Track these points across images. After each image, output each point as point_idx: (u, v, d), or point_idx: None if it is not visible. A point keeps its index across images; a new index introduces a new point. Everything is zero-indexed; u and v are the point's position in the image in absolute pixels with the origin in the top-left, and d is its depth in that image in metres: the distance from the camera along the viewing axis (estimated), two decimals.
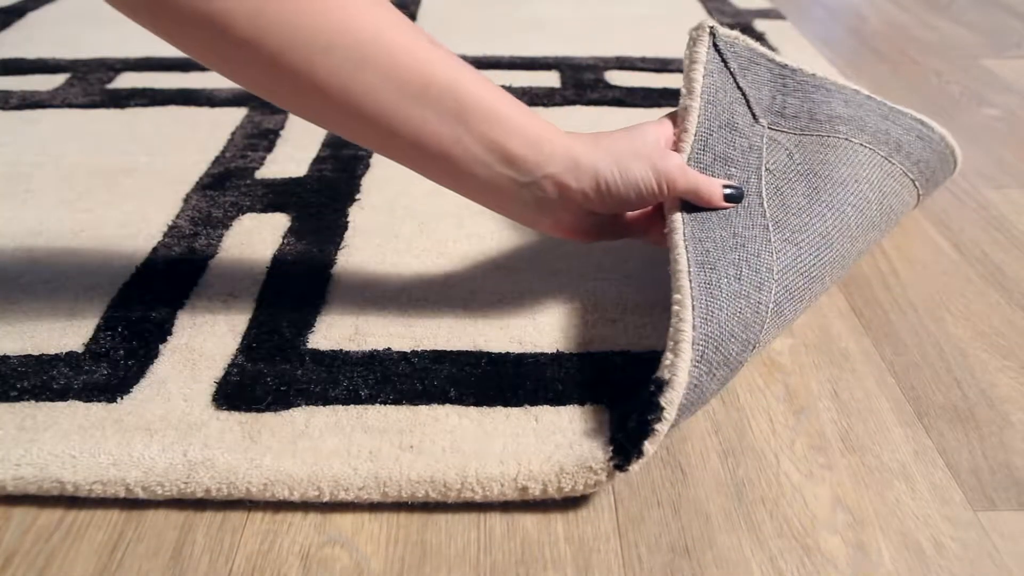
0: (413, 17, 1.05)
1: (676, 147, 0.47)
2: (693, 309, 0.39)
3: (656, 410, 0.37)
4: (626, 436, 0.37)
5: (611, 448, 0.38)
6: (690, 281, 0.40)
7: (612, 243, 0.57)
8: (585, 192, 0.43)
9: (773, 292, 0.41)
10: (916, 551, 0.37)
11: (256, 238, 0.57)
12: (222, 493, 0.38)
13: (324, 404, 0.43)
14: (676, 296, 0.39)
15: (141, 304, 0.50)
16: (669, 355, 0.38)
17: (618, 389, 0.44)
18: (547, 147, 0.42)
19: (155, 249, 0.56)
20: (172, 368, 0.45)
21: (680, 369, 0.37)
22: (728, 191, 0.44)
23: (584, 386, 0.44)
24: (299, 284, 0.52)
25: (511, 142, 0.42)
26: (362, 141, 0.42)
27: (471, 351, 0.47)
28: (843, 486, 0.40)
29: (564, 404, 0.43)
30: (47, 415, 0.42)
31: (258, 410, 0.42)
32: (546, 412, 0.42)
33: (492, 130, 0.41)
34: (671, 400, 0.37)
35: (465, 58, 0.90)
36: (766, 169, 0.47)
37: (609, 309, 0.50)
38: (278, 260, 0.55)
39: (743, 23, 1.04)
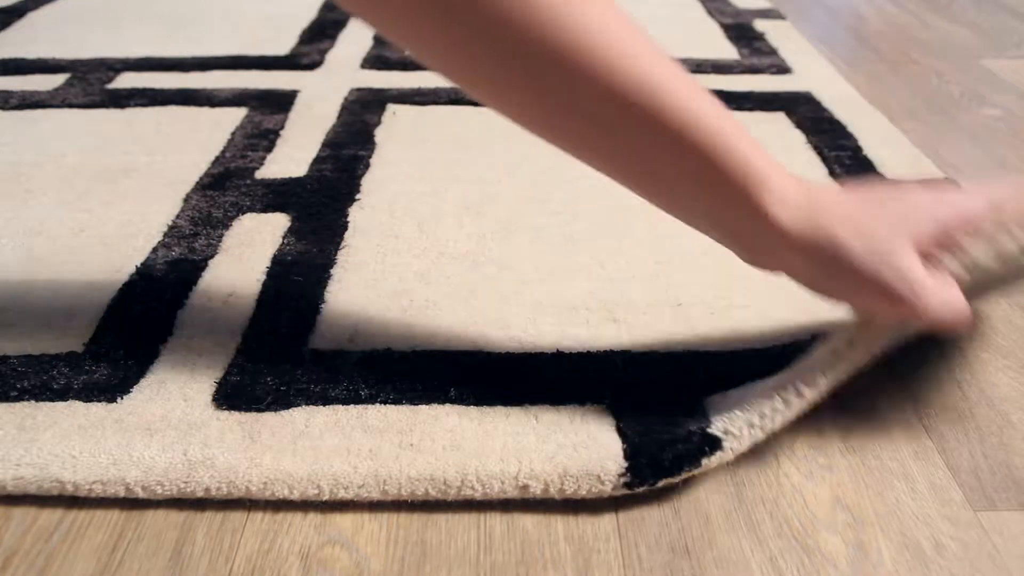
0: None
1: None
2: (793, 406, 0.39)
3: (697, 464, 0.38)
4: (652, 467, 0.38)
5: (627, 465, 0.38)
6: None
7: (612, 242, 0.57)
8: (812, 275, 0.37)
9: None
10: (916, 551, 0.37)
11: (256, 238, 0.57)
12: (222, 492, 0.38)
13: (324, 404, 0.43)
14: (802, 388, 0.39)
15: (141, 304, 0.50)
16: (743, 426, 0.39)
17: (618, 389, 0.44)
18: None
19: (155, 249, 0.56)
20: (172, 368, 0.45)
21: (744, 443, 0.38)
22: None
23: (584, 386, 0.44)
24: (299, 284, 0.52)
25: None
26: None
27: (471, 351, 0.47)
28: (843, 486, 0.40)
29: (564, 404, 0.43)
30: (47, 415, 0.42)
31: (258, 410, 0.42)
32: (546, 411, 0.42)
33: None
34: (717, 461, 0.38)
35: None
36: None
37: (610, 309, 0.50)
38: (278, 260, 0.55)
39: (743, 23, 1.04)
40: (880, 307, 0.37)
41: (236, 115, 0.76)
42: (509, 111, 0.36)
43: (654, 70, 0.34)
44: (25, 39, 0.97)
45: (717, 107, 0.36)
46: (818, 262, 0.36)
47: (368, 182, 0.65)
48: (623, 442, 0.40)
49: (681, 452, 0.38)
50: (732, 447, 0.39)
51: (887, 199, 0.37)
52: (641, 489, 0.39)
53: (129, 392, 0.43)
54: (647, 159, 0.36)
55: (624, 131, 0.35)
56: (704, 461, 0.38)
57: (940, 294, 0.35)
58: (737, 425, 0.39)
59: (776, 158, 0.37)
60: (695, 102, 0.35)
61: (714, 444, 0.38)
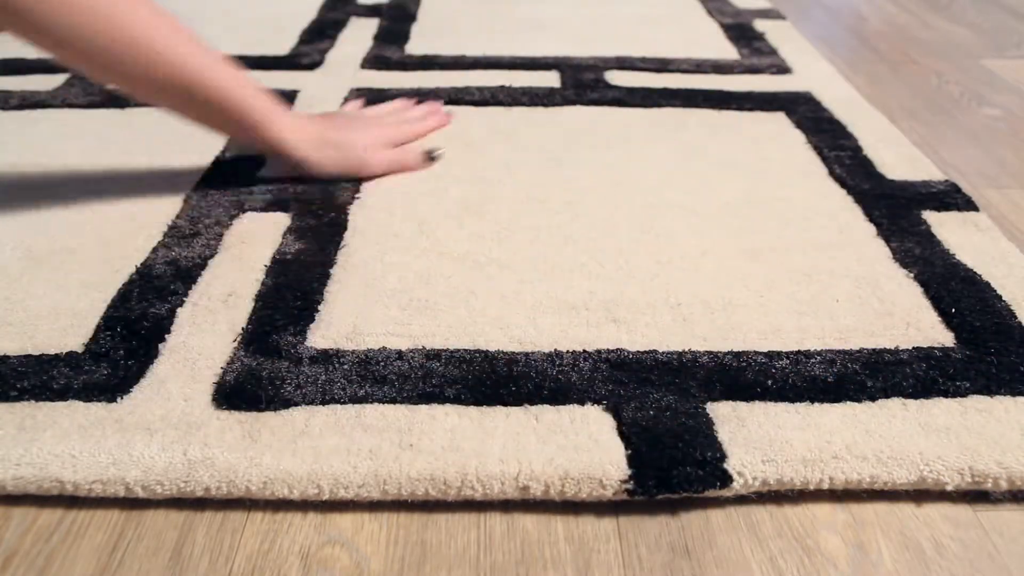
0: (413, 17, 1.05)
1: None
2: None
3: (702, 492, 0.38)
4: (658, 481, 0.38)
5: (631, 472, 0.38)
6: None
7: (612, 241, 0.58)
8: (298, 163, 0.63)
9: None
10: (916, 551, 0.37)
11: (256, 237, 0.57)
12: (222, 492, 0.39)
13: (323, 403, 0.43)
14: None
15: (141, 304, 0.50)
16: (758, 475, 0.39)
17: (618, 390, 0.44)
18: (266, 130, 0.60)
19: (155, 249, 0.56)
20: (172, 368, 0.45)
21: (755, 487, 0.39)
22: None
23: (584, 386, 0.44)
24: (298, 283, 0.52)
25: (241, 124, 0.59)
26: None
27: (470, 350, 0.47)
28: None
29: (564, 404, 0.43)
30: (47, 415, 0.42)
31: (258, 409, 0.42)
32: (546, 411, 0.42)
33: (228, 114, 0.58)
34: (726, 491, 0.38)
35: (465, 58, 0.90)
36: None
37: (609, 309, 0.50)
38: (278, 259, 0.55)
39: (743, 23, 1.04)
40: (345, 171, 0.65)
41: None
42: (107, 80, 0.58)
43: (189, 56, 0.54)
44: None
45: (234, 76, 0.57)
46: (317, 150, 0.63)
47: (368, 182, 0.65)
48: (626, 447, 0.40)
49: (691, 476, 0.38)
50: (741, 486, 0.39)
51: (350, 117, 0.70)
52: (642, 498, 0.39)
53: (129, 392, 0.43)
54: (195, 115, 0.59)
55: (170, 97, 0.57)
56: (710, 491, 0.39)
57: (379, 157, 0.65)
58: (754, 474, 0.39)
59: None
60: (218, 74, 0.56)
61: (726, 479, 0.38)
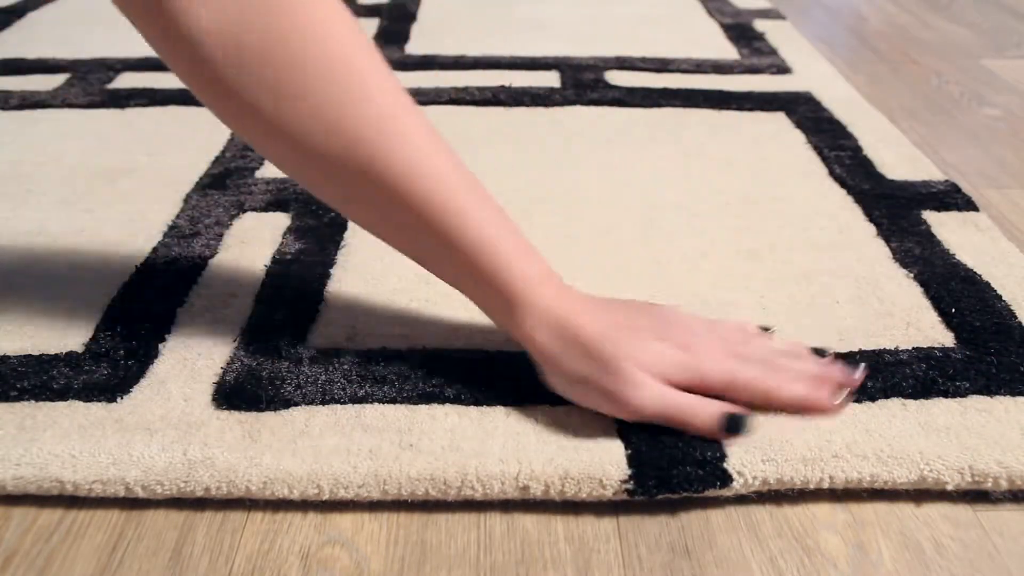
0: (413, 17, 1.05)
1: None
2: None
3: (702, 491, 0.38)
4: (658, 481, 0.38)
5: (631, 472, 0.38)
6: None
7: (612, 241, 0.57)
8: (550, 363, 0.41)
9: None
10: (916, 551, 0.37)
11: (256, 237, 0.57)
12: (222, 492, 0.39)
13: (323, 403, 0.43)
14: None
15: (141, 304, 0.50)
16: (758, 475, 0.38)
17: None
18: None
19: (155, 249, 0.56)
20: (172, 368, 0.45)
21: (755, 486, 0.39)
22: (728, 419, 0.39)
23: None
24: (298, 283, 0.52)
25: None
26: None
27: (470, 349, 0.47)
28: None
29: (564, 404, 0.43)
30: (47, 415, 0.42)
31: (258, 409, 0.42)
32: (546, 412, 0.42)
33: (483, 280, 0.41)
34: (726, 491, 0.38)
35: (465, 58, 0.90)
36: None
37: None
38: (278, 259, 0.55)
39: (743, 23, 1.04)
40: (595, 402, 0.41)
41: None
42: (342, 209, 0.44)
43: (450, 194, 0.39)
44: (25, 39, 0.97)
45: (502, 227, 0.41)
46: (561, 352, 0.41)
47: None
48: (626, 446, 0.40)
49: (691, 476, 0.38)
50: (741, 486, 0.39)
51: (638, 309, 0.43)
52: (642, 498, 0.39)
53: (129, 392, 0.43)
54: (437, 265, 0.43)
55: (421, 241, 0.41)
56: (710, 490, 0.39)
57: (655, 394, 0.39)
58: (754, 473, 0.39)
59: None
60: (485, 227, 0.40)
61: (726, 479, 0.38)
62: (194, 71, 0.38)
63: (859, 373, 0.43)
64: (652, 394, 0.39)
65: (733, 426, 0.39)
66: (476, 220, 0.39)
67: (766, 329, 0.46)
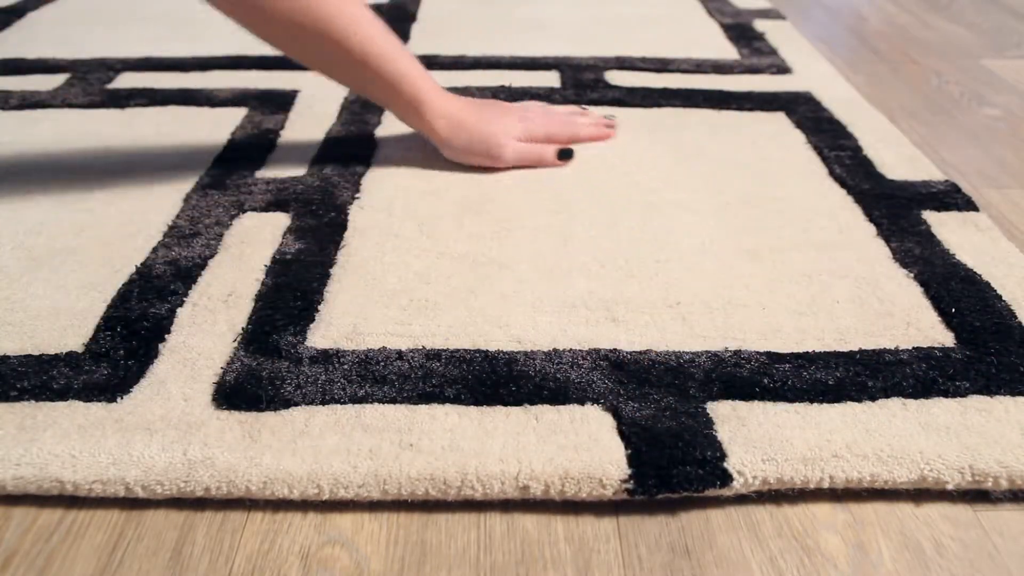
0: (413, 17, 1.05)
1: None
2: None
3: (702, 491, 0.38)
4: (658, 481, 0.38)
5: (631, 472, 0.38)
6: None
7: (611, 241, 0.58)
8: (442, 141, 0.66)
9: None
10: (916, 551, 0.37)
11: (256, 237, 0.57)
12: (222, 492, 0.39)
13: (323, 403, 0.43)
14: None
15: (141, 304, 0.50)
16: (758, 474, 0.39)
17: (618, 389, 0.44)
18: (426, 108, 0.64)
19: (155, 249, 0.56)
20: (172, 368, 0.45)
21: (755, 485, 0.39)
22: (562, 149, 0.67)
23: (584, 386, 0.44)
24: (298, 283, 0.52)
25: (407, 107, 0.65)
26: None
27: (470, 350, 0.47)
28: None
29: (564, 403, 0.43)
30: (47, 415, 0.42)
31: (258, 409, 0.42)
32: (546, 412, 0.42)
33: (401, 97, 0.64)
34: (727, 490, 0.38)
35: (465, 58, 0.90)
36: None
37: (609, 308, 0.50)
38: (278, 259, 0.55)
39: (743, 23, 1.04)
40: (478, 161, 0.67)
41: (236, 115, 0.76)
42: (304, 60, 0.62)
43: (375, 45, 0.60)
44: (25, 39, 0.97)
45: (407, 59, 0.62)
46: (454, 134, 0.65)
47: (368, 182, 0.65)
48: (626, 446, 0.40)
49: (692, 476, 0.38)
50: (741, 485, 0.39)
51: (500, 107, 0.70)
52: (642, 497, 0.39)
53: (129, 392, 0.43)
54: (370, 91, 0.64)
55: (356, 77, 0.62)
56: (710, 490, 0.39)
57: (516, 148, 0.66)
58: (754, 473, 0.39)
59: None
60: (398, 61, 0.61)
61: (726, 479, 0.38)
62: None
63: (612, 119, 0.74)
64: (514, 148, 0.66)
65: (564, 154, 0.67)
66: (393, 58, 0.61)
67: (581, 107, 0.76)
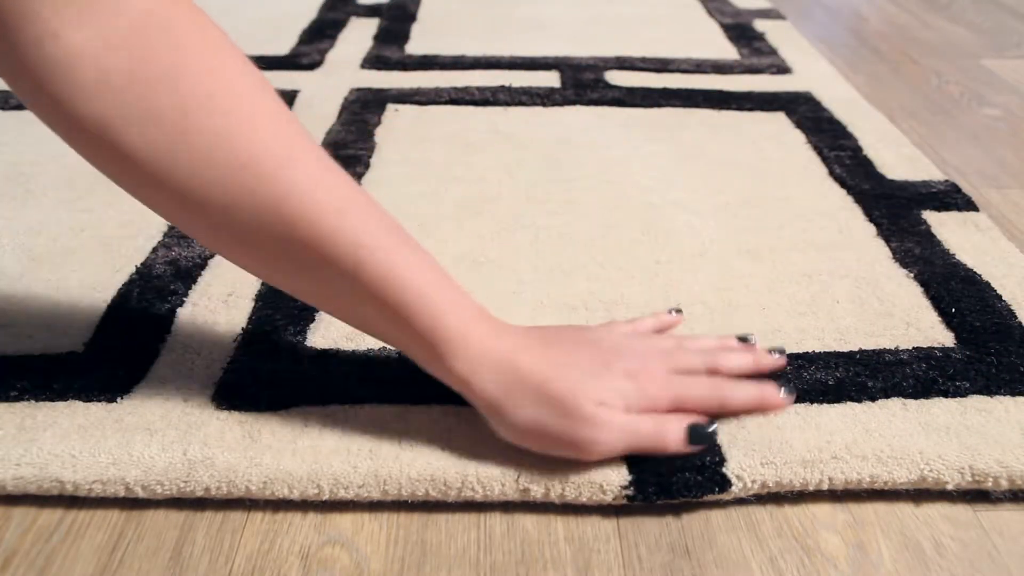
0: (413, 17, 1.05)
1: None
2: None
3: (701, 497, 0.38)
4: (658, 487, 0.38)
5: (631, 478, 0.38)
6: None
7: (612, 242, 0.58)
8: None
9: None
10: (916, 551, 0.37)
11: None
12: (222, 492, 0.38)
13: (323, 403, 0.43)
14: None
15: (141, 304, 0.50)
16: (760, 469, 0.39)
17: None
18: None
19: (155, 249, 0.56)
20: (172, 368, 0.45)
21: (754, 490, 0.39)
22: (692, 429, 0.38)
23: None
24: None
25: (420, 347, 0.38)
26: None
27: None
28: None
29: None
30: (47, 415, 0.42)
31: (258, 409, 0.42)
32: None
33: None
34: (726, 495, 0.38)
35: (465, 58, 0.90)
36: None
37: (609, 308, 0.50)
38: None
39: (743, 23, 1.04)
40: (555, 449, 0.38)
41: None
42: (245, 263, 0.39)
43: (358, 226, 0.36)
44: None
45: (418, 260, 0.37)
46: (506, 396, 0.37)
47: (368, 182, 0.65)
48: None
49: (691, 482, 0.38)
50: (740, 490, 0.39)
51: (574, 340, 0.40)
52: (641, 504, 0.39)
53: (129, 392, 0.43)
54: (347, 307, 0.38)
55: (327, 280, 0.36)
56: (710, 495, 0.39)
57: (621, 432, 0.37)
58: (753, 477, 0.39)
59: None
60: (397, 258, 0.36)
61: (725, 484, 0.38)
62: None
63: (782, 357, 0.44)
64: (618, 433, 0.37)
65: (698, 438, 0.38)
66: (386, 248, 0.36)
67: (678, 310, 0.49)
